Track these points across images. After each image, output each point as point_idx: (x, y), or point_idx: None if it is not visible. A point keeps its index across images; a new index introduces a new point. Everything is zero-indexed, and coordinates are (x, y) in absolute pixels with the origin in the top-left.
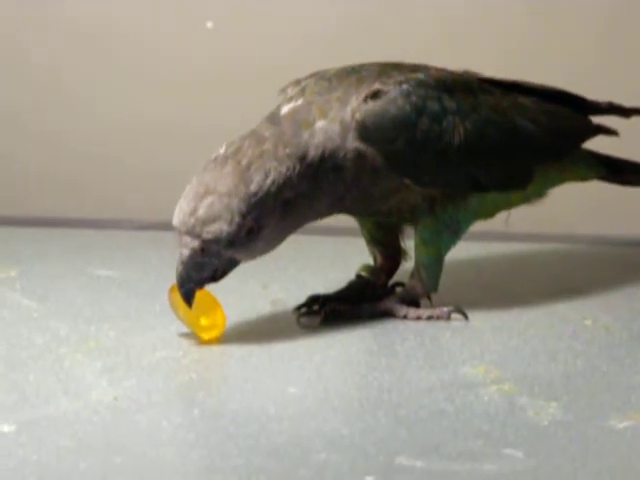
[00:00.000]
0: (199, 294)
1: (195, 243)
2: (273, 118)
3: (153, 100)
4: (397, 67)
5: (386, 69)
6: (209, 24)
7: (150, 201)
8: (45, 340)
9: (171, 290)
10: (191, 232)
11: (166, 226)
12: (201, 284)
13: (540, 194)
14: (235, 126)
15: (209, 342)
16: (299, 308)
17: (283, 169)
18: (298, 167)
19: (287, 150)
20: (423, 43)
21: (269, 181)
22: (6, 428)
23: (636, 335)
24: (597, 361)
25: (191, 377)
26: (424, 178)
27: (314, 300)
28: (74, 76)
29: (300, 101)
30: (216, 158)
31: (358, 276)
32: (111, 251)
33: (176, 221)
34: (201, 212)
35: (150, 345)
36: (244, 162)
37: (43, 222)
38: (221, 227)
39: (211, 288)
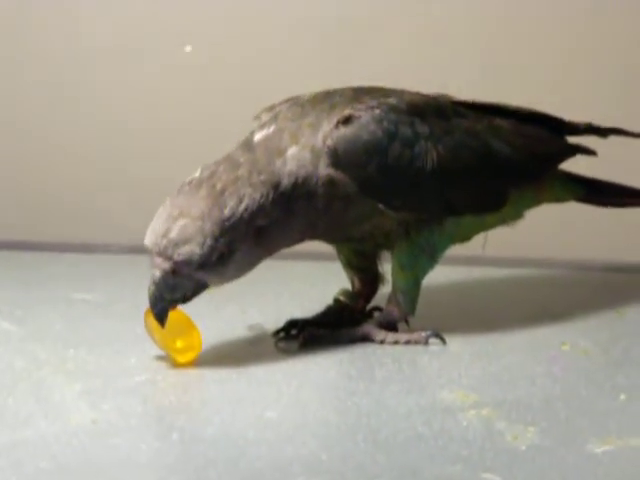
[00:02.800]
0: (175, 316)
1: (167, 264)
2: (247, 144)
3: (136, 125)
4: (370, 92)
5: (359, 94)
6: (188, 48)
7: (127, 225)
8: (24, 363)
9: (146, 314)
10: (163, 253)
11: (143, 250)
12: (173, 304)
13: (516, 215)
14: (216, 156)
15: (185, 365)
16: (277, 332)
17: (257, 196)
18: (272, 194)
19: (261, 177)
20: (407, 65)
21: (242, 207)
22: None
23: (615, 360)
24: (576, 386)
25: (170, 401)
26: (397, 202)
27: (292, 325)
28: (61, 104)
29: (272, 127)
30: (191, 181)
31: (336, 301)
32: (89, 275)
33: (148, 242)
34: (173, 234)
35: (129, 368)
36: (218, 186)
37: (21, 246)
38: (193, 249)
39: (190, 312)
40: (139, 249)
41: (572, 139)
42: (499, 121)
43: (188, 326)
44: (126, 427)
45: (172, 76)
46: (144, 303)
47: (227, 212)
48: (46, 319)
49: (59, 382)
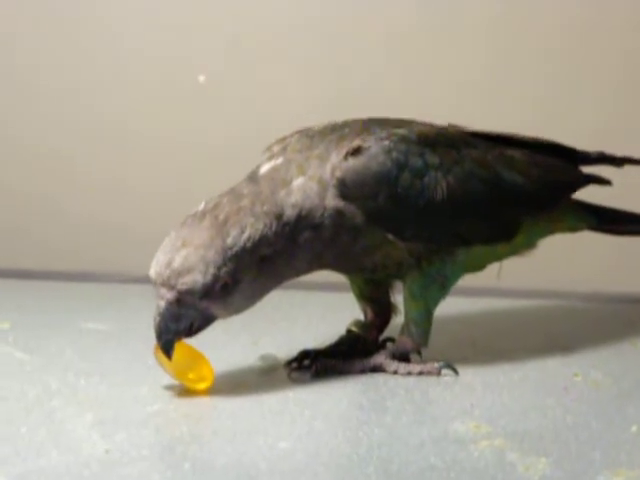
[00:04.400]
0: (183, 349)
1: (171, 294)
2: (253, 176)
3: (143, 157)
4: (380, 123)
5: (369, 125)
6: (201, 78)
7: (139, 255)
8: (37, 393)
9: (156, 348)
10: (167, 284)
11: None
12: (179, 335)
13: (529, 245)
14: (223, 187)
15: (198, 393)
16: (290, 363)
17: (260, 226)
18: (275, 225)
19: (264, 207)
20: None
21: (245, 236)
22: None
23: (626, 391)
24: (587, 417)
25: (182, 431)
26: (407, 233)
27: (305, 355)
28: (58, 136)
29: (280, 159)
30: (195, 213)
31: (349, 331)
32: (101, 304)
33: (152, 273)
34: (176, 264)
35: (141, 398)
36: (221, 217)
37: (36, 275)
38: (195, 278)
39: (201, 343)
40: (149, 279)
41: (585, 169)
42: (511, 151)
43: (197, 358)
44: (138, 457)
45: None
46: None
47: (230, 241)
48: (58, 348)
49: (71, 412)
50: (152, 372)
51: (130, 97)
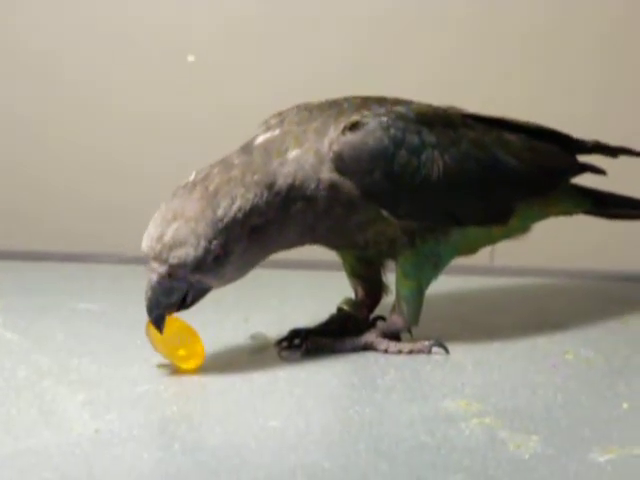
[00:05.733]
0: (177, 325)
1: (162, 268)
2: (246, 147)
3: (135, 136)
4: (379, 101)
5: (368, 102)
6: (190, 58)
7: (130, 235)
8: (27, 373)
9: (148, 324)
10: (158, 257)
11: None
12: (170, 309)
13: (523, 229)
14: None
15: (188, 372)
16: (280, 342)
17: (250, 195)
18: (266, 194)
19: (255, 177)
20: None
21: (235, 207)
22: None
23: (617, 369)
24: (578, 395)
25: (172, 410)
26: (401, 210)
27: (295, 334)
28: (58, 112)
29: (277, 131)
30: (185, 184)
31: (339, 310)
32: (92, 285)
33: (144, 247)
34: (168, 237)
35: (131, 378)
36: (211, 188)
37: (25, 256)
38: (187, 251)
39: (191, 322)
40: (142, 259)
41: (580, 158)
42: (508, 135)
43: (190, 335)
44: (128, 437)
45: (177, 85)
46: (146, 313)
47: (220, 213)
48: (49, 329)
49: (62, 392)
50: (143, 352)
51: (121, 78)
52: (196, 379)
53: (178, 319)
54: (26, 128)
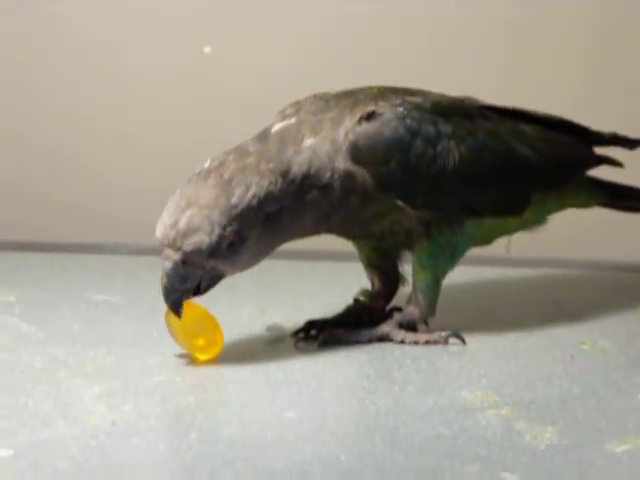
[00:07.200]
0: (197, 312)
1: (177, 255)
2: (262, 135)
3: (153, 124)
4: (396, 91)
5: (384, 92)
6: (207, 49)
7: (148, 225)
8: (44, 364)
9: (167, 313)
10: (172, 245)
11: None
12: (187, 294)
13: (539, 221)
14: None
15: (205, 362)
16: (297, 333)
17: (265, 183)
18: (280, 182)
19: (270, 165)
20: (429, 71)
21: (250, 194)
22: (4, 452)
23: (633, 359)
24: (594, 385)
25: (189, 401)
26: (417, 200)
27: (312, 325)
28: (75, 100)
29: (293, 119)
30: (200, 172)
31: (356, 301)
32: (108, 276)
33: (158, 234)
34: (182, 225)
35: (148, 369)
36: (226, 175)
37: (41, 247)
38: (201, 239)
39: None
40: (158, 250)
41: (598, 150)
42: (524, 126)
43: (210, 322)
44: (145, 427)
45: (189, 77)
46: (163, 304)
47: (234, 200)
48: (65, 320)
49: (78, 383)
50: (159, 343)
51: (136, 70)
52: (212, 370)
53: (198, 306)
54: (40, 116)
